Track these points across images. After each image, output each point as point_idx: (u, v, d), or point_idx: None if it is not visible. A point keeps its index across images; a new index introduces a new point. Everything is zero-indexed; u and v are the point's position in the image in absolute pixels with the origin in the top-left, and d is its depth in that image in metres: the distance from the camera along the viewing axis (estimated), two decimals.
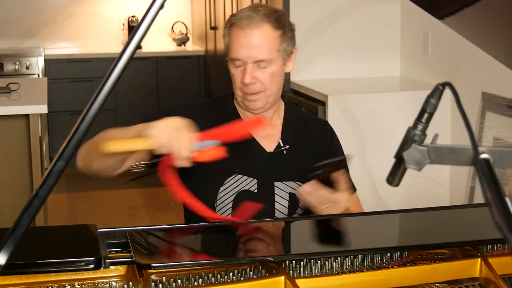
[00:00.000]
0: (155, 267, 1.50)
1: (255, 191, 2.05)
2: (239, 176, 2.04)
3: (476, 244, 1.66)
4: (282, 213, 2.06)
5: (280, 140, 2.10)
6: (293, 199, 2.06)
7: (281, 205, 2.06)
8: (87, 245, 1.59)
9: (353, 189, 2.20)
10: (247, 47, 1.98)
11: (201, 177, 2.05)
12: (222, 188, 2.03)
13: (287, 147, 2.10)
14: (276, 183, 2.07)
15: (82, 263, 1.47)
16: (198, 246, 1.81)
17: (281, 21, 2.03)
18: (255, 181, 2.05)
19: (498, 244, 1.68)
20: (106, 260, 1.50)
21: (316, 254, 1.59)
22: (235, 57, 2.00)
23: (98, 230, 1.61)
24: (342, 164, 2.11)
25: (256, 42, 1.99)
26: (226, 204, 2.04)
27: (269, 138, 2.10)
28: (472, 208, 2.19)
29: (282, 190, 2.06)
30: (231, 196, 2.04)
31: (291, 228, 1.90)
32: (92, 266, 1.47)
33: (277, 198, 2.06)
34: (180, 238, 1.80)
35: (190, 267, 1.52)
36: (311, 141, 2.15)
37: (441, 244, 1.69)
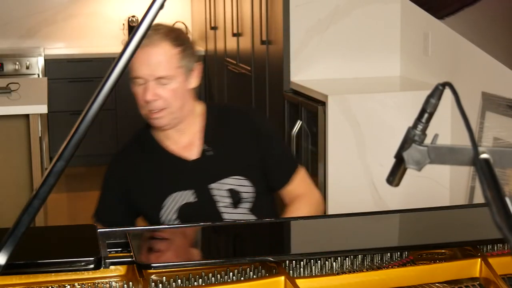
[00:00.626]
0: (155, 267, 1.50)
1: (195, 200, 2.11)
2: (175, 193, 2.11)
3: (476, 244, 1.66)
4: (229, 207, 2.12)
5: (204, 145, 2.16)
6: (234, 194, 2.13)
7: (223, 202, 2.12)
8: (87, 245, 1.59)
9: (294, 165, 2.26)
10: (147, 65, 2.05)
11: (142, 210, 2.18)
12: (162, 211, 2.11)
13: (211, 150, 2.15)
14: (211, 185, 2.12)
15: (82, 263, 1.47)
16: (198, 246, 1.81)
17: (180, 39, 2.10)
18: (191, 191, 2.11)
19: (498, 244, 1.68)
20: (106, 260, 1.50)
21: (316, 254, 1.59)
22: (136, 75, 2.07)
23: (98, 230, 1.61)
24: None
25: (155, 60, 2.05)
26: (173, 222, 2.12)
27: (191, 147, 2.17)
28: (472, 208, 2.19)
29: (219, 190, 2.12)
30: (174, 214, 2.11)
31: (291, 228, 1.90)
32: (92, 266, 1.47)
33: (217, 198, 2.12)
34: (180, 238, 1.80)
35: (190, 267, 1.52)
36: (237, 134, 2.20)
37: (441, 244, 1.69)
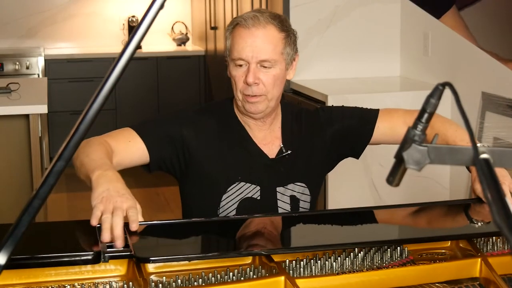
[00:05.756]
0: (153, 261, 1.50)
1: (258, 198, 2.05)
2: (242, 183, 2.04)
3: (473, 237, 1.66)
4: None
5: (282, 145, 2.09)
6: (294, 201, 2.07)
7: (283, 209, 2.06)
8: (85, 240, 1.59)
9: (375, 110, 2.20)
10: (251, 46, 1.97)
11: (205, 184, 2.05)
12: (225, 196, 2.03)
13: (289, 152, 2.08)
14: (278, 189, 2.07)
15: (81, 257, 1.48)
16: (196, 241, 1.81)
17: (285, 25, 2.03)
18: (258, 188, 2.05)
19: (498, 244, 1.68)
20: (105, 254, 1.49)
21: (312, 248, 1.59)
22: (238, 56, 1.98)
23: (97, 226, 1.61)
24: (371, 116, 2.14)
25: (260, 42, 1.97)
26: (229, 212, 2.04)
27: (271, 144, 2.09)
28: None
29: (283, 195, 2.07)
30: (234, 204, 2.04)
31: (291, 225, 1.90)
32: (90, 258, 1.47)
33: (279, 203, 2.07)
34: (179, 233, 1.80)
35: (188, 260, 1.52)
36: (307, 135, 2.13)
37: (440, 237, 1.69)
